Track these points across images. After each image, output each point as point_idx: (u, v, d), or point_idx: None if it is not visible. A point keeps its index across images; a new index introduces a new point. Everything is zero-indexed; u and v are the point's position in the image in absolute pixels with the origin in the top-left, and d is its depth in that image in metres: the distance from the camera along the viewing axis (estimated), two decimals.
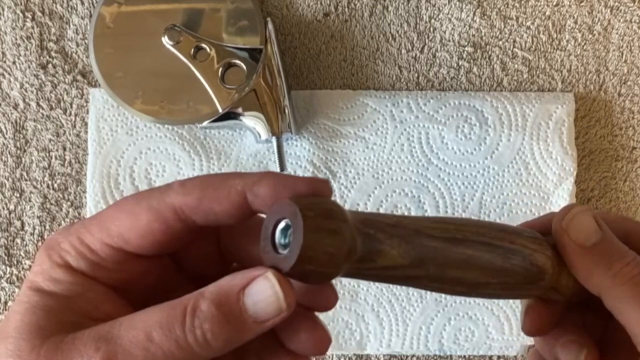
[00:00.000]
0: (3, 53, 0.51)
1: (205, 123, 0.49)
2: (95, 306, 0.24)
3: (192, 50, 0.48)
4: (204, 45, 0.48)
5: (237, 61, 0.48)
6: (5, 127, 0.51)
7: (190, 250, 0.27)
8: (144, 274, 0.26)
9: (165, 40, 0.48)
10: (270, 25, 0.49)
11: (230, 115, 0.48)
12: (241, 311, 0.23)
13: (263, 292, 0.23)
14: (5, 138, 0.51)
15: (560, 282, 0.29)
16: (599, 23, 0.52)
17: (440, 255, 0.26)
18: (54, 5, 0.51)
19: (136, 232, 0.24)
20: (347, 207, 0.50)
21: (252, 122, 0.48)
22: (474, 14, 0.52)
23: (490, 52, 0.52)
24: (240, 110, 0.48)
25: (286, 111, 0.49)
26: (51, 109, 0.51)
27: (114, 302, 0.25)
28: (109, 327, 0.22)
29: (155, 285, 0.26)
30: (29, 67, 0.51)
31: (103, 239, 0.24)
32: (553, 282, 0.28)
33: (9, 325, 0.23)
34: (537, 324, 0.30)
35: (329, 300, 0.27)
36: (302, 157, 0.50)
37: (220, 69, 0.48)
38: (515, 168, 0.51)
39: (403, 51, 0.52)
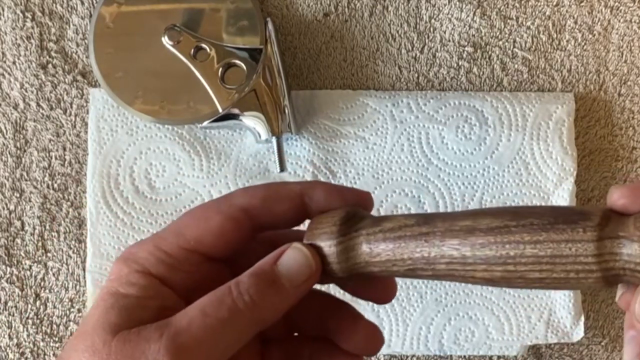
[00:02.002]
0: (3, 53, 0.51)
1: (205, 123, 0.49)
2: (162, 310, 0.26)
3: (192, 50, 0.48)
4: (204, 45, 0.48)
5: (237, 61, 0.48)
6: (5, 127, 0.51)
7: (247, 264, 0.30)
8: (209, 281, 0.28)
9: (165, 40, 0.48)
10: (270, 25, 0.49)
11: (230, 115, 0.48)
12: (277, 276, 0.26)
13: (293, 258, 0.27)
14: (5, 138, 0.51)
15: None
16: (599, 23, 0.52)
17: (446, 215, 0.27)
18: (54, 5, 0.51)
19: (210, 234, 0.27)
20: None
21: (252, 122, 0.48)
22: (474, 14, 0.52)
23: (490, 52, 0.52)
24: (240, 110, 0.48)
25: (286, 111, 0.49)
26: (51, 109, 0.51)
27: (178, 310, 0.27)
28: (167, 319, 0.25)
29: None
30: (29, 67, 0.51)
31: (179, 244, 0.27)
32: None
33: (87, 325, 0.26)
34: (626, 299, 0.27)
35: (389, 292, 0.30)
36: (302, 157, 0.50)
37: (220, 69, 0.48)
38: (515, 168, 0.51)
39: (403, 51, 0.52)
